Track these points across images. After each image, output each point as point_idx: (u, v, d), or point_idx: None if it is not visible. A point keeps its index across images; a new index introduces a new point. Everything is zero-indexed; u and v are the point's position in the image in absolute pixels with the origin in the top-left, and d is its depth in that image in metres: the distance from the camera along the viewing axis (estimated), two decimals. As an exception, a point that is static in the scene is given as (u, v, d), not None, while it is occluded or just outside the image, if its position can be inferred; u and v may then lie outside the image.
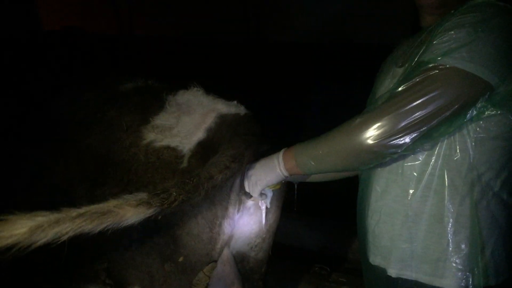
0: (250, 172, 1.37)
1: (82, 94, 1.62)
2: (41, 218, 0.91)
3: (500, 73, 1.06)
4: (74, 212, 0.96)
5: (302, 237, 2.83)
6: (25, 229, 0.88)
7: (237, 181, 1.42)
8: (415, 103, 1.07)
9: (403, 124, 1.08)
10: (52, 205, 1.45)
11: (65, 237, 0.94)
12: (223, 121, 1.42)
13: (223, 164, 1.25)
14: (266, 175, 1.34)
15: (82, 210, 0.97)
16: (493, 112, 1.11)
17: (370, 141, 1.10)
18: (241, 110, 1.46)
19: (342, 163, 1.21)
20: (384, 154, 1.13)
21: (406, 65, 1.26)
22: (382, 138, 1.09)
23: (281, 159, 1.31)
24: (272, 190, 1.45)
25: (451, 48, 1.08)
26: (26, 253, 0.89)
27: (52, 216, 0.93)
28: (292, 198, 1.61)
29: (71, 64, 2.12)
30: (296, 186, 1.47)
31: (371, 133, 1.10)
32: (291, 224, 2.82)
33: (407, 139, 1.09)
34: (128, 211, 1.04)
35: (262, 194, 1.41)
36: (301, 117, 2.97)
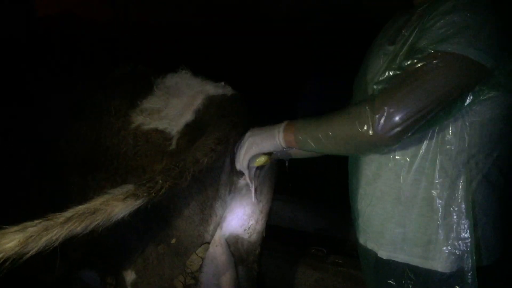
0: (248, 135, 1.36)
1: (72, 80, 1.61)
2: (30, 229, 0.91)
3: (497, 55, 1.06)
4: (61, 217, 0.96)
5: (298, 219, 2.84)
6: (14, 242, 0.88)
7: (227, 161, 1.43)
8: (416, 93, 1.06)
9: (405, 115, 1.07)
10: (43, 195, 1.47)
11: (56, 243, 0.94)
12: (211, 102, 1.41)
13: (208, 147, 1.25)
14: (262, 141, 1.34)
15: (69, 213, 0.97)
16: (488, 95, 1.11)
17: (370, 133, 1.10)
18: (228, 90, 1.45)
19: (341, 150, 1.22)
20: (384, 144, 1.14)
21: (397, 45, 1.24)
22: (383, 130, 1.09)
23: (281, 130, 1.31)
24: (260, 168, 1.45)
25: (448, 34, 1.06)
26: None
27: (40, 225, 0.93)
28: (285, 179, 1.61)
29: (65, 51, 2.11)
30: (286, 164, 1.46)
31: (372, 125, 1.09)
32: (287, 207, 2.84)
33: (408, 130, 1.09)
34: (116, 206, 1.04)
35: (251, 169, 1.41)
36: (292, 98, 2.95)
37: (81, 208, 1.00)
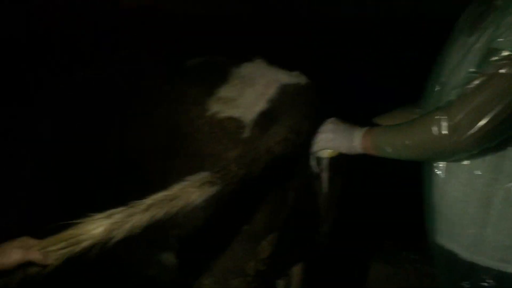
0: (328, 128, 1.36)
1: (149, 67, 1.69)
2: (116, 216, 0.96)
3: None
4: (143, 204, 1.00)
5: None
6: (101, 228, 0.93)
7: (300, 152, 1.42)
8: (493, 101, 1.03)
9: (482, 123, 1.04)
10: (124, 183, 1.55)
11: (139, 230, 0.99)
12: (284, 91, 1.41)
13: (281, 135, 1.25)
14: (339, 141, 1.34)
15: (150, 200, 1.02)
16: None
17: (448, 142, 1.09)
18: (302, 79, 1.44)
19: (419, 156, 1.24)
20: (463, 152, 1.13)
21: (476, 36, 1.18)
22: (461, 139, 1.07)
23: (361, 136, 1.31)
24: (328, 158, 1.44)
25: None
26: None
27: (125, 212, 0.98)
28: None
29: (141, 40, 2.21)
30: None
31: (450, 134, 1.08)
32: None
33: (488, 137, 1.07)
34: (193, 193, 1.08)
35: (319, 159, 1.42)
36: (371, 90, 2.86)
37: (160, 195, 1.04)
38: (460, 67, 1.20)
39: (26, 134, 1.76)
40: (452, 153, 1.13)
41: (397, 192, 2.71)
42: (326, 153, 1.42)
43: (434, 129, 1.10)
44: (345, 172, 1.60)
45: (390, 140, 1.24)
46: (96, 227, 0.93)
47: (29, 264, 0.90)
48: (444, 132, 1.08)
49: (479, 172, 1.18)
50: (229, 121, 1.42)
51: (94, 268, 1.28)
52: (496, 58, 1.03)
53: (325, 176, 1.49)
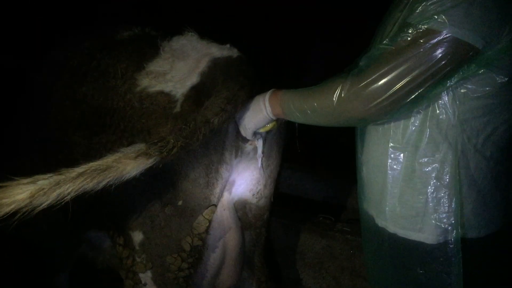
0: (239, 115, 1.38)
1: (78, 43, 1.61)
2: (41, 182, 0.91)
3: (487, 35, 1.03)
4: (73, 172, 0.96)
5: (306, 187, 2.85)
6: (26, 194, 0.89)
7: (232, 125, 1.43)
8: (400, 70, 1.06)
9: (390, 91, 1.07)
10: (49, 158, 1.48)
11: (67, 198, 0.95)
12: (216, 64, 1.40)
13: (218, 106, 1.25)
14: (252, 119, 1.36)
15: (82, 169, 0.98)
16: (478, 72, 1.09)
17: (356, 107, 1.11)
18: (234, 52, 1.44)
19: (327, 122, 1.23)
20: (370, 119, 1.16)
21: (401, 9, 1.21)
22: (369, 105, 1.09)
23: (267, 102, 1.32)
24: (266, 133, 1.45)
25: (438, 11, 1.04)
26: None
27: (52, 179, 0.93)
28: (294, 146, 1.60)
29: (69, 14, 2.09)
30: (296, 126, 1.45)
31: (357, 99, 1.10)
32: (296, 175, 2.84)
33: (392, 106, 1.09)
34: (128, 164, 1.05)
35: (256, 134, 1.43)
36: (299, 59, 2.90)
37: (93, 164, 1.01)
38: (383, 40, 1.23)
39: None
40: (358, 119, 1.14)
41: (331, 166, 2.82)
42: (263, 128, 1.41)
43: (341, 98, 1.12)
44: (281, 144, 1.63)
45: (297, 105, 1.24)
46: (21, 192, 0.88)
47: None
48: (350, 96, 1.10)
49: (393, 145, 1.22)
50: (160, 95, 1.39)
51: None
52: (408, 32, 1.07)
53: (260, 150, 1.51)
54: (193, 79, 1.39)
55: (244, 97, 1.32)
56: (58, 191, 0.93)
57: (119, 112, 1.40)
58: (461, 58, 1.05)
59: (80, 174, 0.97)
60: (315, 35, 2.84)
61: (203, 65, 1.41)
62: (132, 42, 1.57)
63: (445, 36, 1.03)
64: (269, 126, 1.40)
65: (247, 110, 1.37)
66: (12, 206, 0.88)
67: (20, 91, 1.64)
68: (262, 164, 1.56)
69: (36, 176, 0.92)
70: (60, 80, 1.52)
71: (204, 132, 1.22)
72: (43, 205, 0.92)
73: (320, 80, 1.23)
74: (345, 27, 2.62)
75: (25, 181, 0.91)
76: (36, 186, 0.91)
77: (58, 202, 0.94)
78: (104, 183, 1.01)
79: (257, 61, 1.44)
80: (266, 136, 1.51)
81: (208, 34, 1.51)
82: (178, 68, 1.43)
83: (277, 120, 1.39)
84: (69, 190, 0.95)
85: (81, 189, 0.97)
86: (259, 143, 1.48)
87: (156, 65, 1.44)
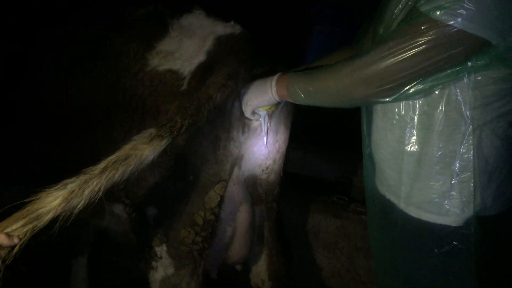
0: (243, 92, 1.41)
1: (90, 23, 1.66)
2: (70, 185, 0.95)
3: (500, 29, 1.00)
4: (96, 169, 1.00)
5: (320, 168, 2.85)
6: (59, 199, 0.92)
7: (237, 103, 1.46)
8: (407, 56, 1.05)
9: (395, 76, 1.08)
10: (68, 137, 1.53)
11: (99, 194, 0.99)
12: (220, 42, 1.44)
13: (220, 82, 1.28)
14: (256, 97, 1.38)
15: (103, 164, 1.02)
16: (492, 63, 1.06)
17: (361, 90, 1.12)
18: (236, 29, 1.47)
19: (332, 103, 1.25)
20: (374, 101, 1.18)
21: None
22: (373, 88, 1.10)
23: (274, 84, 1.34)
24: (272, 112, 1.48)
25: (449, 1, 0.99)
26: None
27: (79, 180, 0.96)
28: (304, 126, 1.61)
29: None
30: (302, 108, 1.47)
31: (362, 82, 1.11)
32: (309, 155, 2.86)
33: (398, 90, 1.10)
34: (145, 149, 1.09)
35: (255, 114, 1.46)
36: (302, 37, 2.89)
37: (112, 157, 1.04)
38: (392, 22, 1.19)
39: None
40: (363, 103, 1.17)
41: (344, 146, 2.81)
42: (264, 108, 1.44)
43: (346, 80, 1.13)
44: (289, 119, 1.65)
45: (303, 86, 1.25)
46: (54, 199, 0.92)
47: None
48: (355, 83, 1.12)
49: (408, 129, 1.21)
50: (168, 73, 1.43)
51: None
52: (415, 20, 1.05)
53: (264, 129, 1.54)
54: (200, 57, 1.43)
55: (244, 73, 1.35)
56: (88, 190, 0.96)
57: (131, 91, 1.46)
58: (472, 51, 1.03)
59: (104, 169, 1.01)
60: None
61: (209, 43, 1.45)
62: (144, 21, 1.61)
63: (454, 29, 1.00)
64: (267, 107, 1.43)
65: (253, 88, 1.39)
66: (51, 214, 0.91)
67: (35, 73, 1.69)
68: (267, 141, 1.58)
69: (63, 181, 0.95)
70: (73, 60, 1.58)
71: (208, 107, 1.25)
72: (79, 206, 0.95)
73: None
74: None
75: (54, 188, 0.94)
76: (66, 190, 0.94)
77: (92, 201, 0.98)
78: (128, 172, 1.05)
79: (261, 38, 1.46)
80: (274, 112, 1.54)
81: (216, 11, 1.54)
82: (186, 47, 1.47)
83: (278, 104, 1.42)
84: (99, 186, 0.98)
85: (109, 182, 1.01)
86: (264, 121, 1.51)
87: (165, 44, 1.49)
